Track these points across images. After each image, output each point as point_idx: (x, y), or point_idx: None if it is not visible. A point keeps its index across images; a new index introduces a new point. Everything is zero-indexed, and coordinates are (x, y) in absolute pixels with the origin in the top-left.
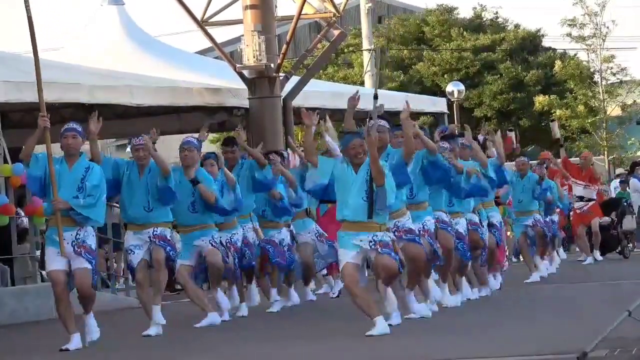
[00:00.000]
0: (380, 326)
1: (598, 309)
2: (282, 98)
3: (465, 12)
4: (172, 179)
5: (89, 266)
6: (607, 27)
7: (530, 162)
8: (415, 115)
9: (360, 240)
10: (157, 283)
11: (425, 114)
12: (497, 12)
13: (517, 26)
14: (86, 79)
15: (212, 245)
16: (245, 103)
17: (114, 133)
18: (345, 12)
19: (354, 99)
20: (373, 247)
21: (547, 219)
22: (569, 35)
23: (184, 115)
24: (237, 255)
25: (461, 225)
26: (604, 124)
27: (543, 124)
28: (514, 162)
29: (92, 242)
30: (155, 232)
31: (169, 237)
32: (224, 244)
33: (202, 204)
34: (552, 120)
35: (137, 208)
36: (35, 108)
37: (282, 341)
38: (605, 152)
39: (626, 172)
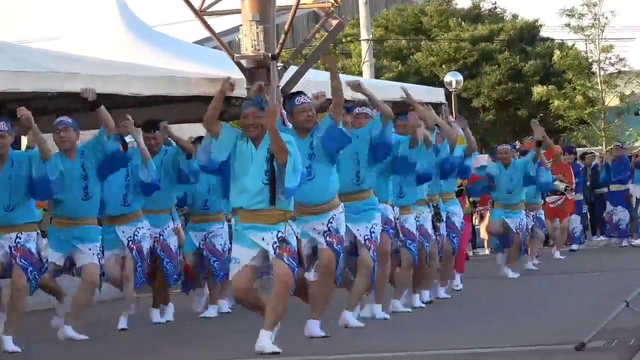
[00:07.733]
0: (263, 341)
1: (595, 300)
2: (280, 88)
3: (463, 3)
4: (53, 168)
5: None
6: (606, 18)
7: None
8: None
9: (263, 239)
10: (15, 309)
11: (423, 104)
12: (495, 3)
13: (515, 16)
14: (84, 68)
15: (94, 259)
16: (244, 93)
17: None
18: (343, 2)
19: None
20: (277, 252)
21: (533, 217)
22: (568, 25)
23: (182, 105)
24: (141, 261)
25: (410, 223)
26: (602, 115)
27: (541, 114)
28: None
29: None
30: (18, 242)
31: (33, 250)
32: (128, 242)
33: (98, 186)
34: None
35: None
36: (32, 97)
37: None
38: (604, 143)
39: None
